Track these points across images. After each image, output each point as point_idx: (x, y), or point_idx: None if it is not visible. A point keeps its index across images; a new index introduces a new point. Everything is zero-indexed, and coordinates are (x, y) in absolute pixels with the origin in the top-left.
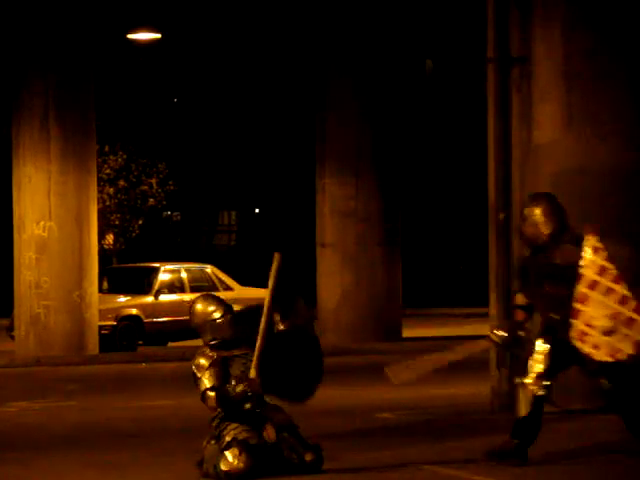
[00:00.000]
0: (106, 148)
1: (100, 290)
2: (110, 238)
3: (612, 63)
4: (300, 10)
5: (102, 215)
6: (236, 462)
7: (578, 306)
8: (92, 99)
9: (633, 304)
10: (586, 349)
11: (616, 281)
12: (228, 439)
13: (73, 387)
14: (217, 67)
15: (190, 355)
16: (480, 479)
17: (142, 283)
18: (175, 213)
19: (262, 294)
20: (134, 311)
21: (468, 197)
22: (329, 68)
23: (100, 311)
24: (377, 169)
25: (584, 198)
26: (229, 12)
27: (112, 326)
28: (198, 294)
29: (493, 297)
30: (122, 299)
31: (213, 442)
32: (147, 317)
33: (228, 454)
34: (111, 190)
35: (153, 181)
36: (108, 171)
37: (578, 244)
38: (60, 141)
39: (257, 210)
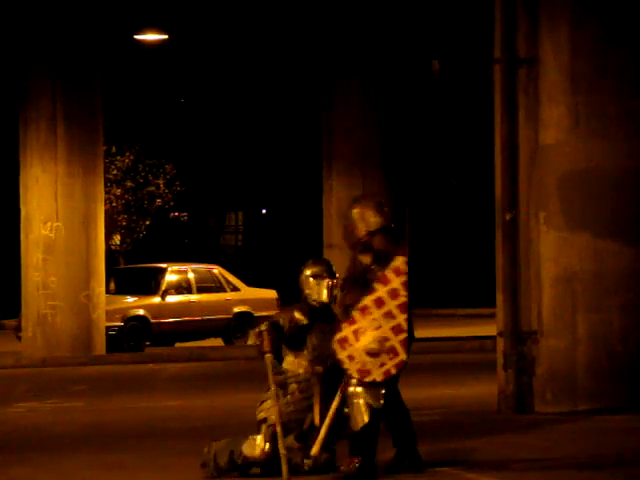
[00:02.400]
0: (113, 149)
1: (107, 291)
2: (117, 239)
3: (619, 63)
4: (307, 10)
5: (109, 216)
6: (258, 450)
7: (356, 315)
8: (99, 100)
9: (402, 337)
10: (341, 355)
11: (401, 309)
12: (264, 415)
13: (80, 387)
14: (224, 68)
15: (197, 356)
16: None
17: (149, 284)
18: (182, 214)
19: (268, 295)
20: (141, 312)
21: (475, 197)
22: (336, 68)
23: (107, 312)
24: (384, 170)
25: (591, 198)
26: (236, 12)
27: (119, 327)
28: (205, 295)
29: (500, 298)
30: (129, 300)
31: (223, 441)
32: (154, 318)
33: (257, 438)
34: (118, 191)
35: (160, 182)
36: (115, 172)
37: (378, 258)
38: (67, 142)
39: (264, 211)
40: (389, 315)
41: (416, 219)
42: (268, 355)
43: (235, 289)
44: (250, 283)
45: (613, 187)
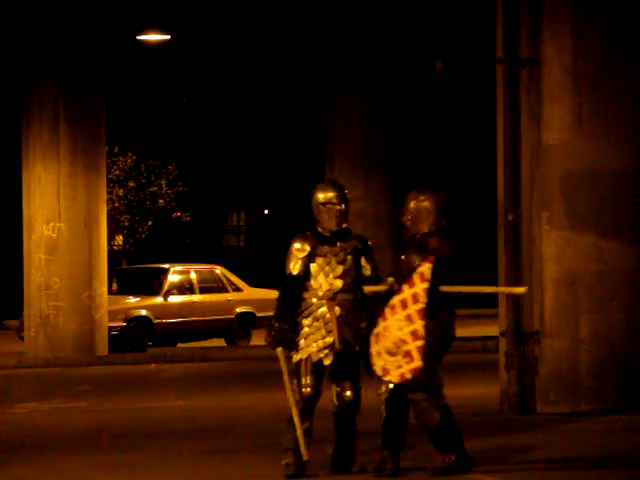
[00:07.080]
0: (116, 149)
1: (110, 291)
2: (119, 239)
3: (621, 63)
4: (310, 11)
5: (111, 216)
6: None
7: (387, 312)
8: (102, 100)
9: (419, 343)
10: (372, 350)
11: (419, 315)
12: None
13: (82, 388)
14: (226, 68)
15: (199, 356)
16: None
17: (151, 284)
18: (185, 214)
19: (271, 295)
20: (143, 312)
21: (477, 198)
22: (338, 69)
23: (109, 312)
24: (386, 170)
25: (593, 199)
26: (238, 13)
27: (121, 327)
28: (207, 295)
29: (502, 298)
30: (132, 300)
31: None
32: (156, 318)
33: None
34: (120, 191)
35: (162, 182)
36: (118, 172)
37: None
38: (70, 142)
39: (266, 211)
40: (409, 319)
41: None
42: (279, 349)
43: (237, 289)
44: (252, 283)
45: (616, 187)
